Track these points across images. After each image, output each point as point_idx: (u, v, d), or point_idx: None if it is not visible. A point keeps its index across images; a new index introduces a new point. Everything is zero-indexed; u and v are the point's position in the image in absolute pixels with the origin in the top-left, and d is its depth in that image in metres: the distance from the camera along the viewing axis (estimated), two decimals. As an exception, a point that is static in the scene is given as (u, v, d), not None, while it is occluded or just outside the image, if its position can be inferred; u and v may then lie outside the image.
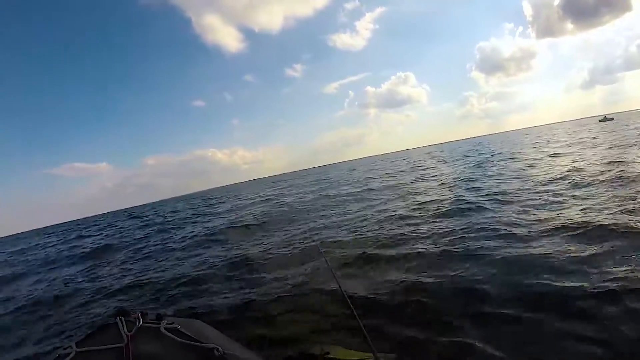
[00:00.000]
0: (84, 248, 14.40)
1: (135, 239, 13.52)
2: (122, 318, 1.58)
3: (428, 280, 4.01)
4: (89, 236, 20.28)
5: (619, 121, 47.20)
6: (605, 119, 57.03)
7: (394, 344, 2.83)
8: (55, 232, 35.74)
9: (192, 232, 12.13)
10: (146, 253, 9.84)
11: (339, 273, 4.68)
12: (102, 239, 17.03)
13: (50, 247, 19.03)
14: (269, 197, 21.19)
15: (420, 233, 6.13)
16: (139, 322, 1.57)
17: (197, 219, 16.79)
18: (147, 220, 22.64)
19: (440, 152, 45.87)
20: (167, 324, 1.56)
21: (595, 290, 3.10)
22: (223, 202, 26.19)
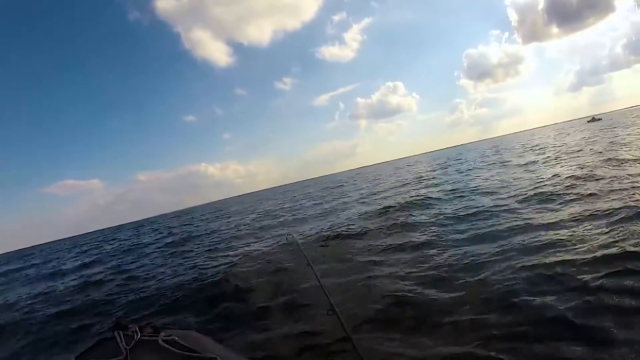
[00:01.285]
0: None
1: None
2: (120, 332, 1.59)
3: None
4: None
5: (606, 121, 48.27)
6: (593, 120, 58.34)
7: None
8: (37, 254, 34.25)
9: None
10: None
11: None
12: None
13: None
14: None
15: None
16: (137, 335, 1.58)
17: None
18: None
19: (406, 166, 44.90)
20: (165, 336, 1.58)
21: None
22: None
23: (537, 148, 22.75)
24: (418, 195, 11.21)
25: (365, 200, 13.96)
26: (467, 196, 9.30)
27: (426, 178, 18.25)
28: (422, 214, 8.32)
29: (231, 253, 8.43)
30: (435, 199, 9.99)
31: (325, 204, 16.34)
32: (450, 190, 10.93)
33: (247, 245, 9.06)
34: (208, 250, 9.83)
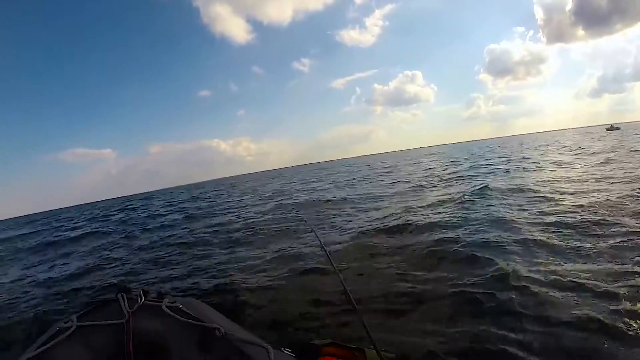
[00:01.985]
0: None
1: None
2: (124, 295, 1.57)
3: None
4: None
5: (624, 131, 47.07)
6: (612, 128, 57.44)
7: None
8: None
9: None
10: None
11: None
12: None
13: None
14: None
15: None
16: (141, 299, 1.56)
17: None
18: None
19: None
20: (168, 302, 1.55)
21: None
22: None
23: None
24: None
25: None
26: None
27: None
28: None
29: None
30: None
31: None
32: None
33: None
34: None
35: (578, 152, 20.21)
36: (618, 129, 57.83)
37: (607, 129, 57.93)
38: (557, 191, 8.15)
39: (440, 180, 13.71)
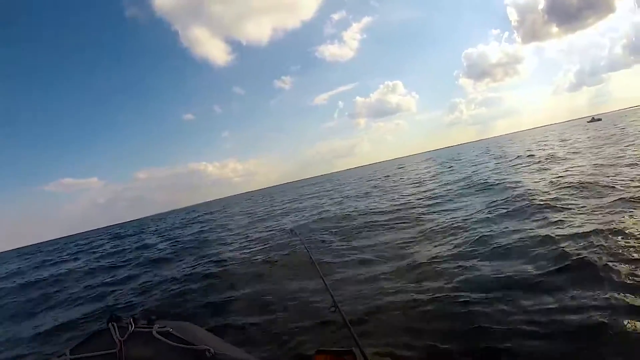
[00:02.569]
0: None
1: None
2: (114, 324, 1.59)
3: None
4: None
5: (605, 121, 48.58)
6: (593, 120, 58.95)
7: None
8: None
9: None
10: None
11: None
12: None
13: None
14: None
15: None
16: (131, 327, 1.58)
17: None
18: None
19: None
20: (159, 327, 1.57)
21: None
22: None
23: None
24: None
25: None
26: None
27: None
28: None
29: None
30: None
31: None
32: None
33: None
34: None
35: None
36: (599, 120, 59.38)
37: (588, 121, 59.50)
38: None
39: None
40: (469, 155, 33.32)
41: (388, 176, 27.96)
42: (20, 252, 45.27)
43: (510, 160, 17.65)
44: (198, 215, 33.59)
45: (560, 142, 23.93)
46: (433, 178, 17.89)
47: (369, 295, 4.04)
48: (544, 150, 19.76)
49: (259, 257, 7.36)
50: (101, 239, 28.60)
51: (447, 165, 25.23)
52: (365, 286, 4.34)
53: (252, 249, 8.50)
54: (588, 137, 23.33)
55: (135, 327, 1.58)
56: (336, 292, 3.60)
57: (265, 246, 8.45)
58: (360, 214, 10.30)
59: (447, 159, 34.10)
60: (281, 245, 7.91)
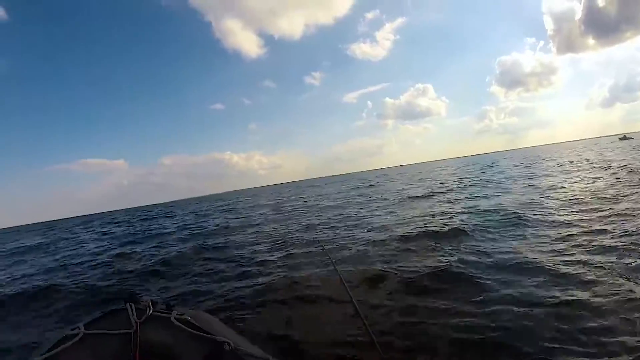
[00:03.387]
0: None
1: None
2: (132, 304, 1.56)
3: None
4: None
5: (637, 140, 46.88)
6: (625, 138, 57.26)
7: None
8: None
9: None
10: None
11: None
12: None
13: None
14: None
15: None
16: (149, 310, 1.55)
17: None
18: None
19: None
20: (177, 314, 1.54)
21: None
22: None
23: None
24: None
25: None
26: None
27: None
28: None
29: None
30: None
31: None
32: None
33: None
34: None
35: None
36: (631, 138, 58.07)
37: (620, 139, 57.68)
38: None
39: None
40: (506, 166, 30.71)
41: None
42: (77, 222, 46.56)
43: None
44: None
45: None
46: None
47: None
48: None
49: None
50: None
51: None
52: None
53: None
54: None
55: (153, 311, 1.55)
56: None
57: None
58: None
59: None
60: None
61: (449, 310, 3.37)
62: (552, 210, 7.57)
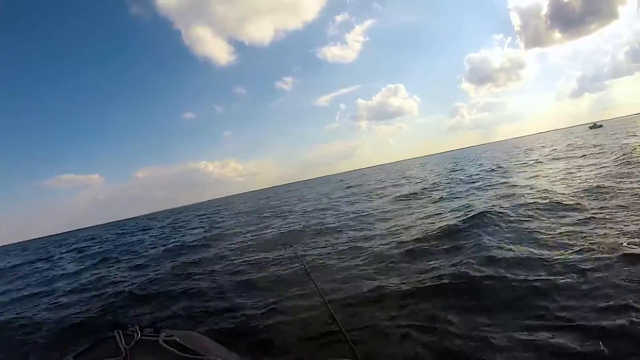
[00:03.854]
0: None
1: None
2: (120, 331, 1.56)
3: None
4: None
5: (606, 128, 48.94)
6: (595, 126, 59.28)
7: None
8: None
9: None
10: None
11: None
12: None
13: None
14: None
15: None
16: (137, 335, 1.55)
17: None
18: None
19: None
20: (165, 336, 1.54)
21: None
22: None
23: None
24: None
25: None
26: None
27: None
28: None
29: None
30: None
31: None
32: None
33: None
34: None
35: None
36: (601, 126, 59.80)
37: (590, 127, 59.82)
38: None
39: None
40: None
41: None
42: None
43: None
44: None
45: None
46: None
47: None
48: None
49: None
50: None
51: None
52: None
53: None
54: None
55: (141, 336, 1.55)
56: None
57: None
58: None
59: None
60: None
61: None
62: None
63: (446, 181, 16.77)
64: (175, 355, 1.44)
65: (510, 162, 21.56)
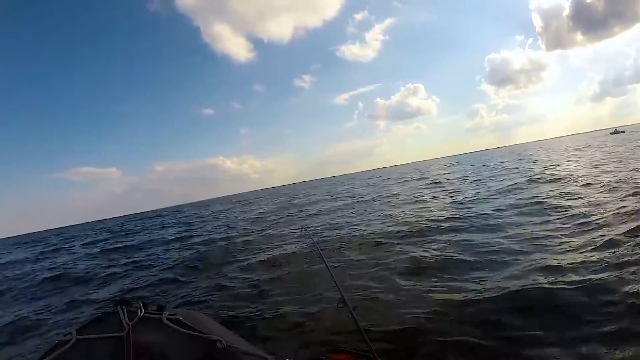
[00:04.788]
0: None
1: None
2: (124, 307, 1.56)
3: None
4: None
5: (629, 134, 47.18)
6: (616, 132, 57.46)
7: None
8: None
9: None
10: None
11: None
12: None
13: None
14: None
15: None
16: (141, 312, 1.54)
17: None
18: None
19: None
20: (169, 314, 1.53)
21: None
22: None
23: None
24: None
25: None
26: None
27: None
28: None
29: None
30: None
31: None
32: None
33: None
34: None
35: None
36: (622, 132, 57.98)
37: (612, 133, 57.95)
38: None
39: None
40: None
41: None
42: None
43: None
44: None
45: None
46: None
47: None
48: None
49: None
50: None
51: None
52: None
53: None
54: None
55: (145, 313, 1.54)
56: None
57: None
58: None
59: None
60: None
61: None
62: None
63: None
64: (178, 333, 1.44)
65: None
